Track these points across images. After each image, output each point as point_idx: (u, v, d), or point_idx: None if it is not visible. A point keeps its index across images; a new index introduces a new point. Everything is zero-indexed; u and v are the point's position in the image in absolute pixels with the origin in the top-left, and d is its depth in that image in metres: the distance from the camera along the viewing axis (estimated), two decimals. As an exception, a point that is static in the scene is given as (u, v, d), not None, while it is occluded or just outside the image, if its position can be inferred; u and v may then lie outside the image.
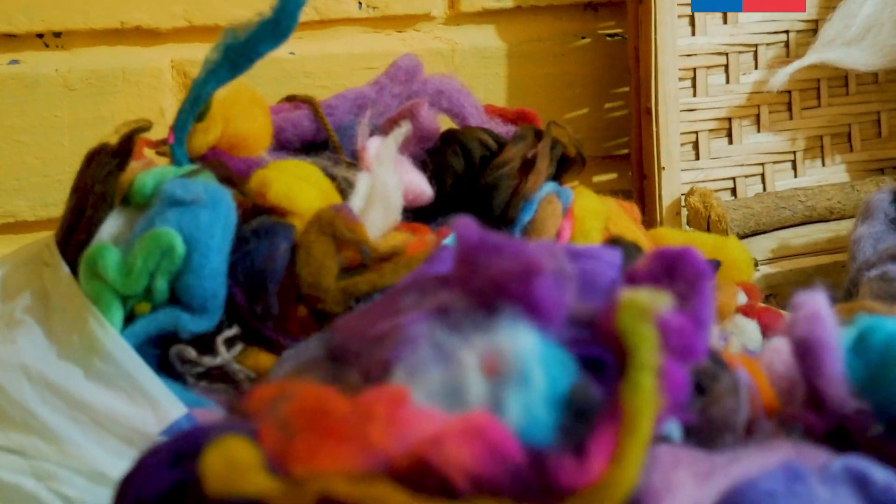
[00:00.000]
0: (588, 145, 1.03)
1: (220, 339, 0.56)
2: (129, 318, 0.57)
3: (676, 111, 0.94)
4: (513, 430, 0.33)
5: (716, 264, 0.71)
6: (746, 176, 1.02)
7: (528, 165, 0.68)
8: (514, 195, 0.66)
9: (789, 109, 1.03)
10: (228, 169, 0.61)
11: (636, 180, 0.95)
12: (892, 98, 1.07)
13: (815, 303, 0.40)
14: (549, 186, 0.69)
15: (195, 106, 0.61)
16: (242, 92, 0.66)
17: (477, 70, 0.96)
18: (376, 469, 0.33)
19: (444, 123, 0.76)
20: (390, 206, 0.62)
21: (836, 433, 0.44)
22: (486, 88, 0.97)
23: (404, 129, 0.65)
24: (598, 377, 0.36)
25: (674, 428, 0.39)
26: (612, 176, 1.04)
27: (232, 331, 0.57)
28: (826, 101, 1.05)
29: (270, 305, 0.57)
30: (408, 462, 0.32)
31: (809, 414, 0.42)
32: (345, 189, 0.64)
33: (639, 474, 0.32)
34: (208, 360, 0.56)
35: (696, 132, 0.98)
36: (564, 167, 0.72)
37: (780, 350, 0.48)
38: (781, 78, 0.97)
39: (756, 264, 0.95)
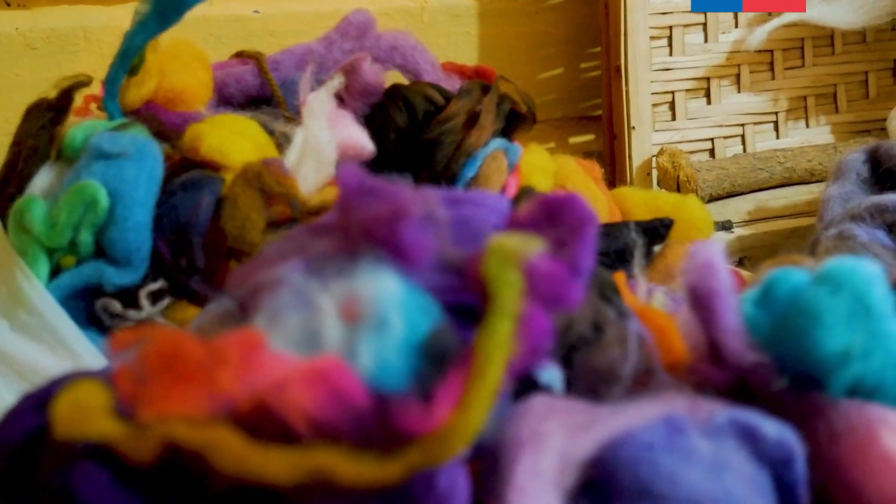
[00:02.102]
0: (563, 106, 1.01)
1: (143, 293, 0.56)
2: (57, 272, 0.57)
3: (647, 70, 0.92)
4: (363, 375, 0.32)
5: (668, 223, 0.70)
6: (725, 137, 1.00)
7: (473, 121, 0.67)
8: (456, 151, 0.65)
9: (771, 69, 1.01)
10: (161, 123, 0.61)
11: (607, 140, 0.93)
12: (881, 58, 1.05)
13: (708, 252, 0.39)
14: (497, 142, 0.68)
15: (125, 59, 0.60)
16: (181, 46, 0.65)
17: (447, 29, 0.95)
18: (222, 413, 0.32)
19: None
20: (323, 159, 0.61)
21: (743, 388, 0.42)
22: (457, 48, 0.95)
23: (336, 81, 0.64)
24: (469, 325, 0.35)
25: (555, 378, 0.38)
26: (589, 137, 1.02)
27: (157, 284, 0.56)
28: (811, 60, 1.02)
29: (195, 258, 0.56)
30: (252, 407, 0.32)
31: (711, 367, 0.41)
32: (283, 144, 0.63)
33: (484, 421, 0.31)
34: (133, 314, 0.56)
35: (673, 92, 0.97)
36: (515, 123, 0.71)
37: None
38: (759, 36, 0.95)
39: (731, 226, 0.94)
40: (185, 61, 0.64)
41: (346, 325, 0.34)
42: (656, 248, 0.70)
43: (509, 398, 0.37)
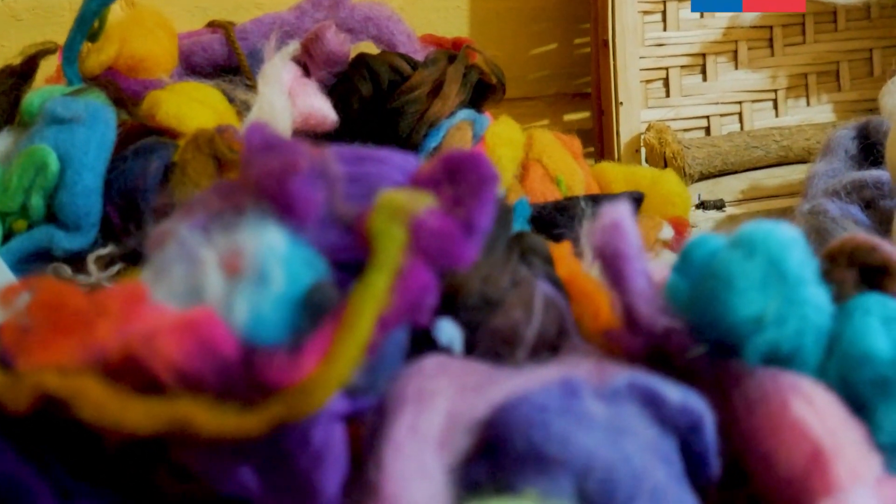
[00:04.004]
0: (557, 82, 1.00)
1: (90, 258, 0.56)
2: (10, 236, 0.58)
3: (636, 44, 0.91)
4: (237, 327, 0.32)
5: (638, 196, 0.69)
6: (722, 115, 0.98)
7: (439, 91, 0.66)
8: (419, 120, 0.64)
9: (770, 46, 0.99)
10: (119, 89, 0.61)
11: (595, 116, 0.92)
12: (886, 35, 1.02)
13: (616, 213, 0.38)
14: (464, 113, 0.67)
15: (82, 24, 0.60)
16: (145, 14, 0.65)
17: (436, 3, 0.94)
18: (94, 363, 0.32)
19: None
20: (278, 126, 0.60)
21: (661, 356, 0.41)
22: (447, 22, 0.94)
23: (291, 47, 0.64)
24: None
25: (454, 337, 0.37)
26: (583, 114, 1.01)
27: (106, 250, 0.57)
28: (812, 37, 1.00)
29: (145, 224, 0.56)
30: (122, 357, 0.32)
31: (624, 333, 0.40)
32: (243, 112, 0.63)
33: (350, 373, 0.30)
34: (82, 279, 0.56)
35: (667, 68, 0.95)
36: (485, 94, 0.70)
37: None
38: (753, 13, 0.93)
39: (723, 205, 0.92)
40: (148, 28, 0.64)
41: (228, 278, 0.33)
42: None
43: (405, 357, 0.37)
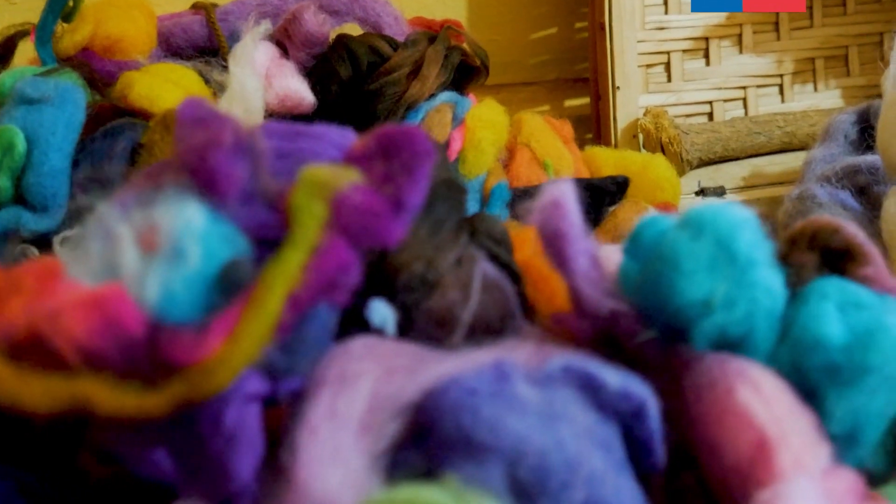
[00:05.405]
0: (557, 67, 0.99)
1: (56, 240, 0.55)
2: (-21, 218, 0.57)
3: (634, 27, 0.89)
4: (148, 305, 0.31)
5: (622, 181, 0.67)
6: (725, 100, 0.96)
7: (419, 72, 0.65)
8: (397, 102, 0.63)
9: (776, 30, 0.96)
10: (92, 70, 0.60)
11: (593, 101, 0.90)
12: (898, 19, 0.99)
13: (558, 191, 0.37)
14: (446, 95, 0.66)
15: (56, 5, 0.60)
16: (121, -6, 0.65)
17: (434, -14, 0.93)
18: (3, 340, 0.31)
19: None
20: (251, 107, 0.60)
21: (612, 340, 0.40)
22: (445, 6, 0.93)
23: (263, 27, 0.63)
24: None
25: (387, 318, 0.36)
26: (584, 100, 0.99)
27: (72, 231, 0.56)
28: (820, 21, 0.97)
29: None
30: (28, 334, 0.31)
31: (571, 316, 0.39)
32: (218, 93, 0.62)
33: (256, 352, 0.30)
34: (50, 260, 0.56)
35: (668, 52, 0.93)
36: (468, 76, 0.69)
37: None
38: (756, -7, 0.91)
39: (723, 192, 0.90)
40: (124, 9, 0.64)
41: (144, 254, 0.32)
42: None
43: (335, 338, 0.36)
